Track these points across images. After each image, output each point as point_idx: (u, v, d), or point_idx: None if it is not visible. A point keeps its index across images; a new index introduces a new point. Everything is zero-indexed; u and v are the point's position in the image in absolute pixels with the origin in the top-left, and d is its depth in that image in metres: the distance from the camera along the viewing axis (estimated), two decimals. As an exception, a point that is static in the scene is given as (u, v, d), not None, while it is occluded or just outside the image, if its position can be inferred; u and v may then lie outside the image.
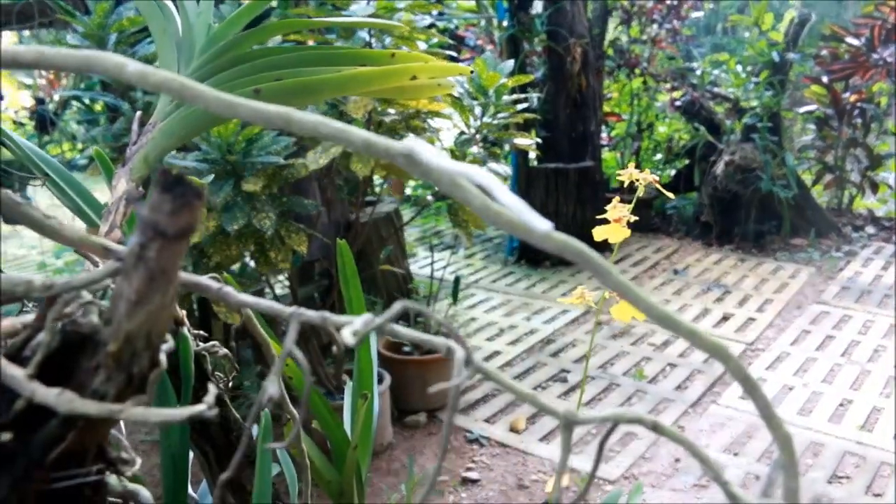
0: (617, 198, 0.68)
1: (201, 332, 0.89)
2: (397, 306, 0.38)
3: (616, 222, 0.65)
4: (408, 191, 5.44)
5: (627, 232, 0.66)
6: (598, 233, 0.68)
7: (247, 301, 0.43)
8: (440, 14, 6.82)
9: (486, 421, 2.95)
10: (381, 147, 0.33)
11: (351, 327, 0.35)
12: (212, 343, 0.89)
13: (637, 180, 0.67)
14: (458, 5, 7.09)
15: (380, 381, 2.84)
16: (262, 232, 2.00)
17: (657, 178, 0.69)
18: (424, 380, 2.98)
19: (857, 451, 2.74)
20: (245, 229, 2.03)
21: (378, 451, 2.80)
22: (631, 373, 3.28)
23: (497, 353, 3.47)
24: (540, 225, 0.31)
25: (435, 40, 2.09)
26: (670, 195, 0.72)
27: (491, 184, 0.31)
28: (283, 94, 0.76)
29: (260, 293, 2.67)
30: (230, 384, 0.98)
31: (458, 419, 2.97)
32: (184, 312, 1.03)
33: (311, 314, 0.39)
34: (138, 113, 0.74)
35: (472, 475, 2.67)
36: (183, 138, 0.74)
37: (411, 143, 0.32)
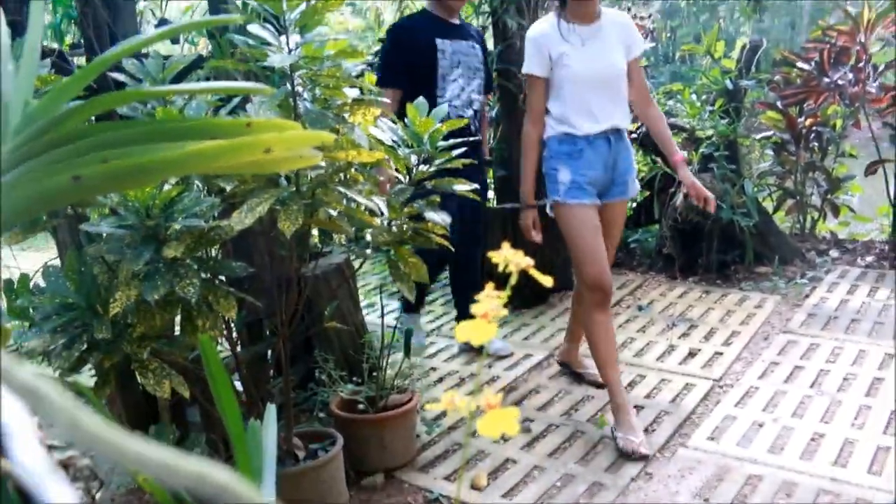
0: (491, 284, 0.57)
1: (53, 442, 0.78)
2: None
3: (483, 318, 0.55)
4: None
5: (494, 329, 0.56)
6: (461, 332, 0.58)
7: None
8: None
9: (446, 479, 2.82)
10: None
11: None
12: (69, 454, 0.77)
13: (509, 264, 0.57)
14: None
15: (332, 443, 2.70)
16: (187, 299, 1.88)
17: (531, 263, 0.58)
18: (381, 438, 2.85)
19: (831, 489, 2.64)
20: (169, 297, 1.91)
21: (334, 517, 2.65)
22: (596, 418, 3.17)
23: (458, 403, 3.35)
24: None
25: (355, 92, 1.99)
26: (547, 281, 0.62)
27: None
28: (109, 178, 0.65)
29: (200, 359, 2.54)
30: (95, 495, 0.86)
31: (417, 478, 2.83)
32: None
33: None
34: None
35: (433, 539, 2.53)
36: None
37: (39, 384, 0.22)
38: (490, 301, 0.55)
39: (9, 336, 0.70)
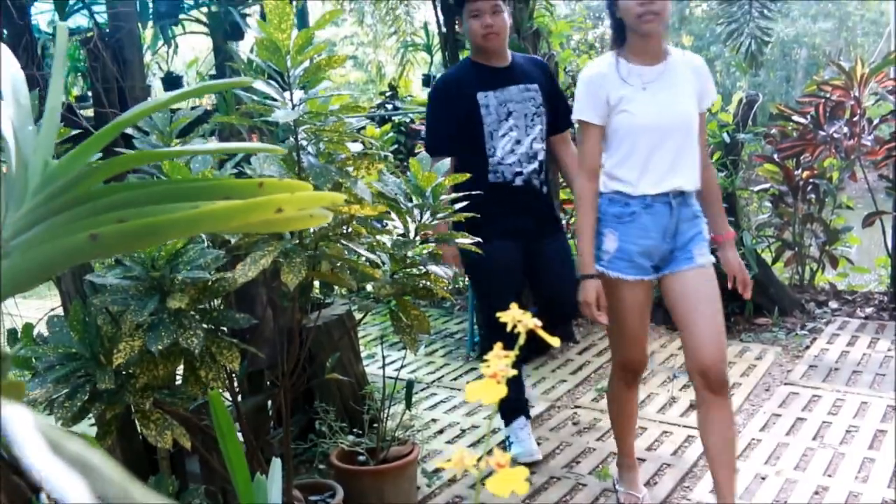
0: (500, 344, 0.59)
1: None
2: None
3: (492, 378, 0.56)
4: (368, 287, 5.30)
5: (503, 390, 0.57)
6: (471, 393, 0.59)
7: None
8: (395, 108, 6.89)
9: (448, 532, 2.80)
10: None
11: None
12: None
13: (519, 321, 0.59)
14: (412, 100, 7.17)
15: (332, 495, 2.69)
16: (190, 350, 1.89)
17: (539, 324, 0.60)
18: (381, 490, 2.83)
19: (836, 544, 2.62)
20: (172, 348, 1.92)
21: (333, 572, 2.62)
22: (598, 471, 3.15)
23: (459, 455, 3.33)
24: None
25: (358, 146, 2.03)
26: (555, 341, 0.64)
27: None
28: (126, 237, 0.67)
29: (200, 409, 2.54)
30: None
31: (417, 532, 2.81)
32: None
33: None
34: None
35: None
36: None
37: (89, 455, 0.24)
38: (500, 361, 0.56)
39: (23, 391, 0.72)
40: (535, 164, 3.18)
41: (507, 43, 3.21)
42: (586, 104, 2.55)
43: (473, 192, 2.32)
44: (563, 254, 3.33)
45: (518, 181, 3.15)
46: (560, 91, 3.43)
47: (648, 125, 2.48)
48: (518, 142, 3.14)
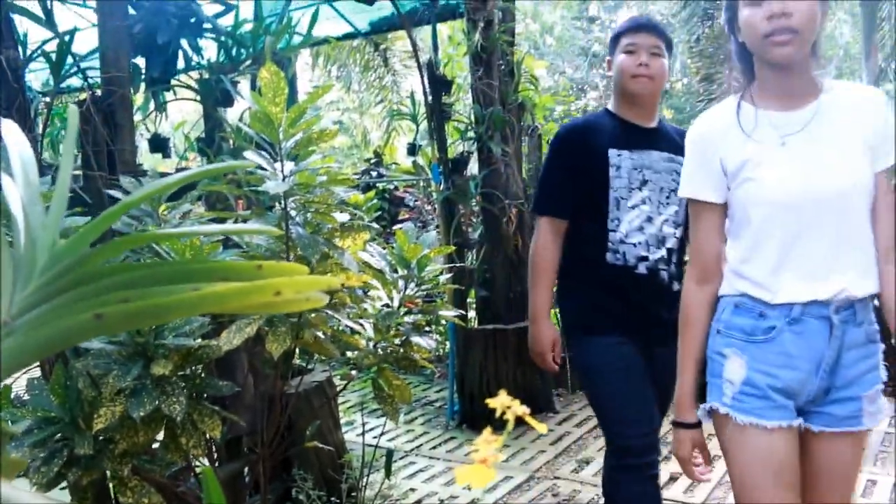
0: (488, 429, 0.62)
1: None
2: None
3: (481, 463, 0.59)
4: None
5: (493, 474, 0.59)
6: (461, 476, 0.61)
7: None
8: (380, 176, 6.99)
9: None
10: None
11: None
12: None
13: (508, 408, 0.61)
14: (396, 167, 7.28)
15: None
16: (172, 417, 1.89)
17: (528, 411, 0.63)
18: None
19: None
20: (154, 414, 1.91)
21: None
22: (576, 545, 3.13)
23: (436, 527, 3.30)
24: None
25: (345, 216, 2.07)
26: (542, 428, 0.66)
27: None
28: (130, 317, 0.69)
29: (177, 475, 2.51)
30: None
31: None
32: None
33: None
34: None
35: None
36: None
37: None
38: (489, 444, 0.58)
39: (23, 468, 0.73)
40: (664, 252, 2.46)
41: (658, 97, 2.59)
42: (693, 174, 1.80)
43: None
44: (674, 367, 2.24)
45: (641, 268, 2.45)
46: None
47: (788, 200, 1.65)
48: (649, 219, 2.45)
